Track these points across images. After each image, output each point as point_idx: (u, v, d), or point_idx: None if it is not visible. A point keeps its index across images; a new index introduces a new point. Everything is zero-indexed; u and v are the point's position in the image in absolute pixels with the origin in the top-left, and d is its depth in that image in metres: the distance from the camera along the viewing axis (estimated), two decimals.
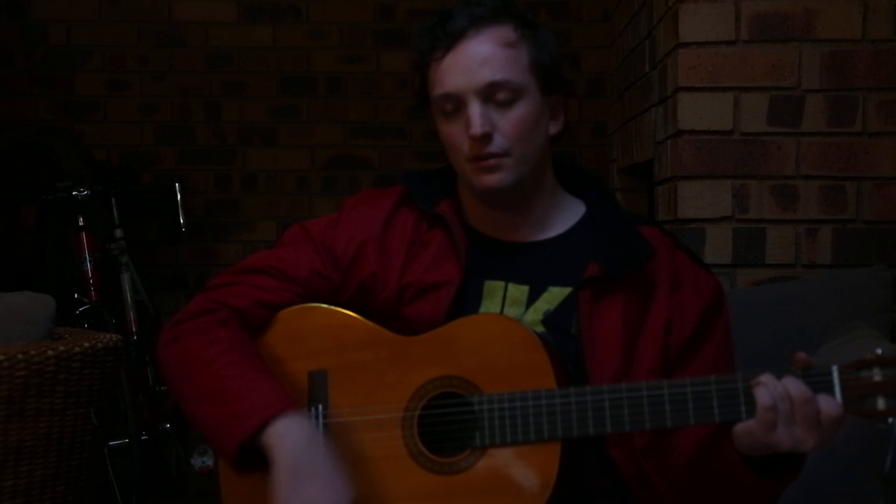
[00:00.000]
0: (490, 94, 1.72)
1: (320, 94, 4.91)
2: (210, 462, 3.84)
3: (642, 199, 4.02)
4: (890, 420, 1.47)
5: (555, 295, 1.77)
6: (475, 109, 1.72)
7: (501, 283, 1.79)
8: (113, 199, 4.11)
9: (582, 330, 1.72)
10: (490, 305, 1.78)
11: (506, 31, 1.74)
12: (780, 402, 1.48)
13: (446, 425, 1.67)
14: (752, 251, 2.76)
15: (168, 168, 4.86)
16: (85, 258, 3.86)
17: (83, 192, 3.88)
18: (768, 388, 1.49)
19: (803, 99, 2.73)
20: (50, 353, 2.29)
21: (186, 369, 1.76)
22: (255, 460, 1.68)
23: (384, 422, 1.70)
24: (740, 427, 1.52)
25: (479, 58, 1.73)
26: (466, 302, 1.77)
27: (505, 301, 1.78)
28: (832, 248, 2.74)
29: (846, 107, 2.73)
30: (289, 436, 1.65)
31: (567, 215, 1.85)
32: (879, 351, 1.49)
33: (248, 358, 1.75)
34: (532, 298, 1.77)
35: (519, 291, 1.78)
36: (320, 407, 1.74)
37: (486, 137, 1.71)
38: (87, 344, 2.38)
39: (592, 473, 1.71)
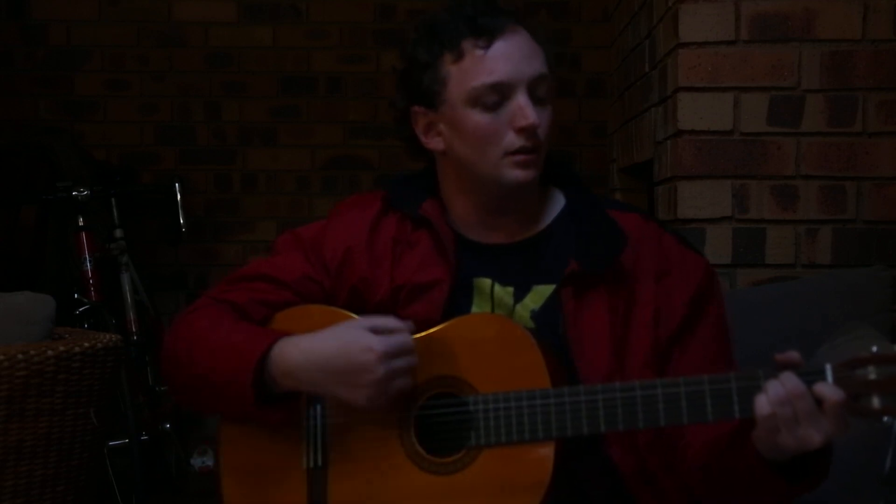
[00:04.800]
0: (534, 87, 1.72)
1: (320, 94, 4.91)
2: (210, 462, 3.85)
3: (642, 199, 4.02)
4: (885, 419, 1.46)
5: (540, 293, 1.76)
6: (526, 100, 1.71)
7: (488, 282, 1.78)
8: (113, 199, 4.11)
9: (568, 328, 1.71)
10: (481, 304, 1.78)
11: (531, 30, 1.75)
12: (778, 407, 1.47)
13: (442, 425, 1.68)
14: (752, 251, 2.76)
15: (168, 168, 4.85)
16: (85, 258, 3.86)
17: (83, 192, 3.88)
18: (766, 396, 1.48)
19: (803, 99, 2.73)
20: (50, 353, 2.29)
21: (190, 345, 1.78)
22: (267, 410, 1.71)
23: (381, 422, 1.69)
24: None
25: (529, 48, 1.73)
26: (459, 300, 1.77)
27: (493, 300, 1.77)
28: (832, 248, 2.74)
29: (846, 107, 2.73)
30: (288, 352, 1.68)
31: (548, 210, 1.84)
32: (875, 349, 1.47)
33: (242, 322, 1.78)
34: (518, 298, 1.77)
35: (504, 292, 1.77)
36: (319, 407, 1.75)
37: (535, 130, 1.71)
38: (87, 344, 2.38)
39: (590, 473, 1.71)
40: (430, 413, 1.68)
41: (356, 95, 4.90)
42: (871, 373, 1.47)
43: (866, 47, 2.72)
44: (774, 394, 1.48)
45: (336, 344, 1.66)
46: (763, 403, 1.48)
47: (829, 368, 1.48)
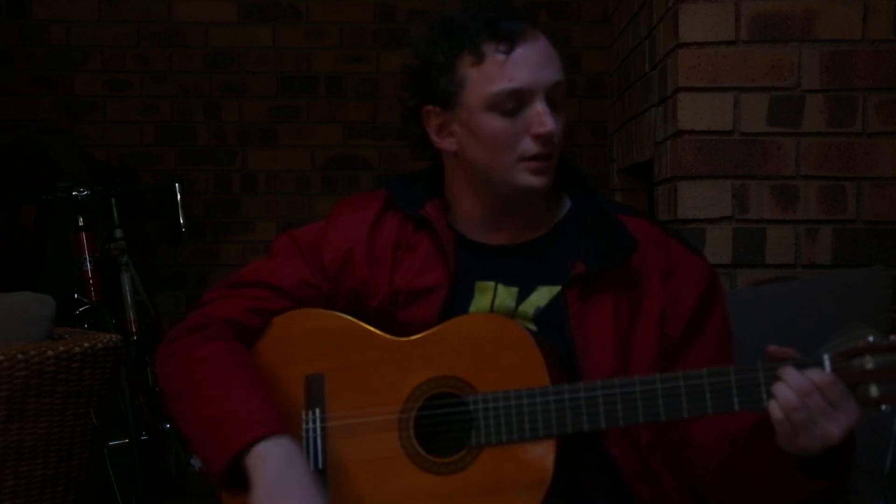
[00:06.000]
0: (551, 93, 1.72)
1: (320, 94, 4.91)
2: None
3: (642, 199, 4.02)
4: (884, 407, 1.46)
5: (544, 294, 1.76)
6: (544, 107, 1.70)
7: (491, 284, 1.78)
8: (113, 199, 4.10)
9: (573, 329, 1.71)
10: (480, 304, 1.77)
11: (546, 35, 1.75)
12: (792, 412, 1.47)
13: (443, 425, 1.68)
14: (752, 251, 2.75)
15: (168, 168, 4.86)
16: (85, 258, 3.87)
17: (83, 192, 3.88)
18: (776, 402, 1.48)
19: (803, 99, 2.73)
20: (50, 353, 2.29)
21: (179, 391, 1.78)
22: (245, 480, 1.68)
23: (381, 424, 1.69)
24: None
25: (547, 54, 1.72)
26: (458, 303, 1.77)
27: (495, 300, 1.77)
28: (832, 248, 2.74)
29: (846, 107, 2.72)
30: (267, 458, 1.64)
31: (554, 211, 1.84)
32: (871, 338, 1.48)
33: (236, 373, 1.75)
34: (522, 298, 1.77)
35: (508, 293, 1.77)
36: (318, 410, 1.74)
37: (552, 137, 1.71)
38: (87, 344, 2.38)
39: (591, 472, 1.71)
40: (429, 413, 1.68)
41: (356, 95, 4.90)
42: (868, 362, 1.47)
43: (866, 47, 2.72)
44: (785, 400, 1.48)
45: (299, 480, 1.63)
46: (775, 409, 1.48)
47: (826, 359, 1.49)
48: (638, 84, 3.46)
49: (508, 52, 1.70)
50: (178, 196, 4.18)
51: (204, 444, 1.71)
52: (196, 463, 3.93)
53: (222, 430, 1.68)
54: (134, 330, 4.03)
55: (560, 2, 4.88)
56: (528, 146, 1.71)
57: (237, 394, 1.71)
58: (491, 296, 1.77)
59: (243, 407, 1.70)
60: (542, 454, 1.61)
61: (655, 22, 3.09)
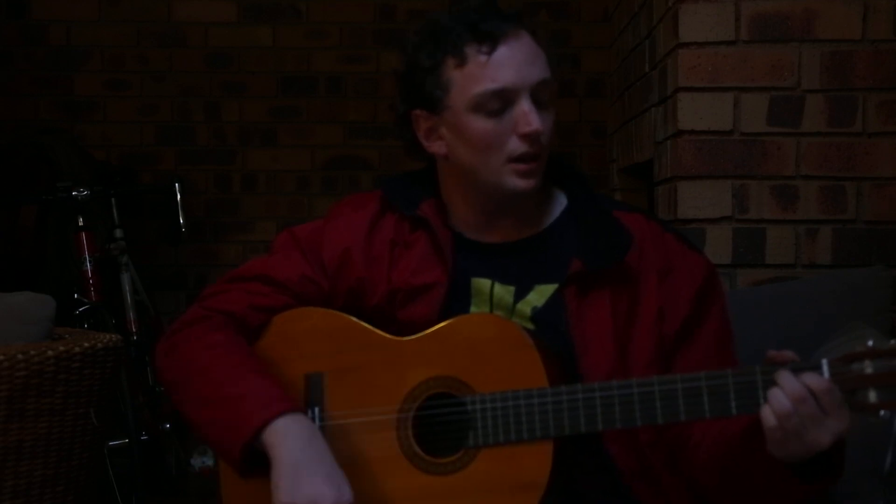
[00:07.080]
0: (537, 92, 1.71)
1: (320, 94, 4.91)
2: (210, 462, 3.84)
3: (642, 199, 4.02)
4: (882, 413, 1.45)
5: (541, 292, 1.76)
6: (530, 106, 1.70)
7: (488, 282, 1.78)
8: (113, 199, 4.11)
9: (571, 328, 1.71)
10: (479, 304, 1.77)
11: (532, 34, 1.74)
12: (785, 420, 1.46)
13: (441, 426, 1.68)
14: (752, 251, 2.75)
15: (168, 168, 4.86)
16: (85, 258, 3.87)
17: (83, 192, 3.88)
18: (770, 408, 1.47)
19: (803, 99, 2.73)
20: (50, 353, 2.29)
21: (185, 378, 1.77)
22: (259, 464, 1.68)
23: (379, 423, 1.70)
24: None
25: (531, 53, 1.72)
26: (456, 301, 1.77)
27: (492, 300, 1.77)
28: (832, 248, 2.74)
29: (846, 107, 2.72)
30: (288, 434, 1.65)
31: (550, 209, 1.84)
32: (870, 343, 1.46)
33: (244, 360, 1.75)
34: (519, 297, 1.77)
35: (505, 291, 1.77)
36: (317, 409, 1.75)
37: (539, 136, 1.70)
38: (87, 344, 2.38)
39: (589, 471, 1.71)
40: (428, 413, 1.68)
41: (356, 95, 4.90)
42: (868, 367, 1.45)
43: (866, 47, 2.72)
44: (779, 406, 1.47)
45: (321, 456, 1.64)
46: (768, 415, 1.48)
47: (825, 363, 1.48)
48: (638, 84, 3.47)
49: (490, 52, 1.70)
50: (178, 196, 4.18)
51: (217, 427, 1.70)
52: (196, 463, 3.94)
53: (238, 409, 1.68)
54: (134, 330, 4.03)
55: (560, 2, 4.88)
56: (515, 146, 1.71)
57: (250, 377, 1.72)
58: (488, 295, 1.77)
59: (256, 387, 1.71)
60: (540, 455, 1.61)
61: (655, 22, 3.09)
